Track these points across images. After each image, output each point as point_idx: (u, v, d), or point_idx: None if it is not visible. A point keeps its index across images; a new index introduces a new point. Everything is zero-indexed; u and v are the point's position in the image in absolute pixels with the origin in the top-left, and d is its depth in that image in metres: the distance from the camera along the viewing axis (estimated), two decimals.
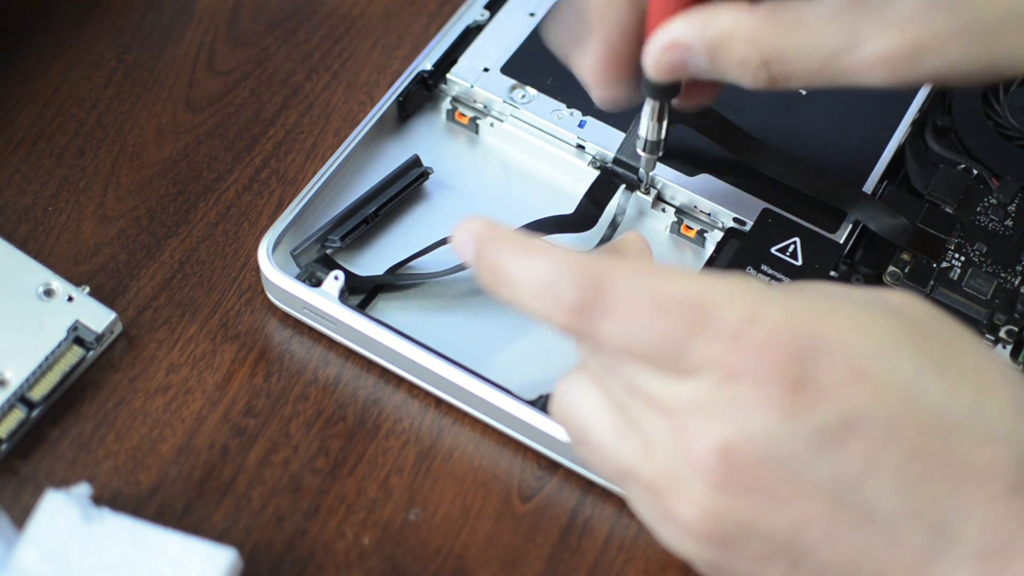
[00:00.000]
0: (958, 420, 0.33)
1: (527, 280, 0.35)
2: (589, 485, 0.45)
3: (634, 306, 0.34)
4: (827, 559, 0.33)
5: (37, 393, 0.45)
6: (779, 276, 0.46)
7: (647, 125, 0.46)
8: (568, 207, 0.50)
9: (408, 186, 0.50)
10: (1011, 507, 0.33)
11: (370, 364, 0.47)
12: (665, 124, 0.46)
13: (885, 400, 0.33)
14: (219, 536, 0.43)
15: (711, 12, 0.39)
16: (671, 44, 0.40)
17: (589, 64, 0.43)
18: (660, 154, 0.47)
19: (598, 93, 0.44)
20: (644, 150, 0.47)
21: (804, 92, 0.52)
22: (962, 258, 0.48)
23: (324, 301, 0.46)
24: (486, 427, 0.46)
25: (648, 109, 0.45)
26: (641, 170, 0.49)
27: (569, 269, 0.35)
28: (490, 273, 0.36)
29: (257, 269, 0.48)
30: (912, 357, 0.33)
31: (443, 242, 0.48)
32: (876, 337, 0.34)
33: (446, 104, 0.53)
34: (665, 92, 0.43)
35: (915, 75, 0.38)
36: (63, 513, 0.40)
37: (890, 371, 0.33)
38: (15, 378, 0.44)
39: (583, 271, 0.34)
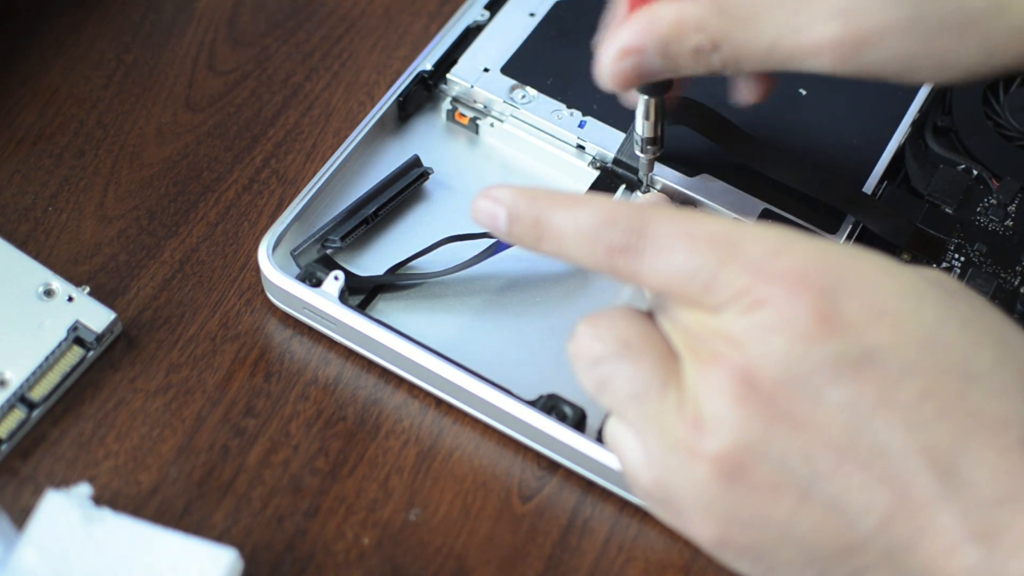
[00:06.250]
0: (977, 370, 0.34)
1: (573, 230, 0.37)
2: (589, 485, 0.45)
3: (670, 242, 0.35)
4: (836, 493, 0.33)
5: (37, 393, 0.45)
6: None
7: (641, 123, 0.46)
8: None
9: (408, 186, 0.50)
10: None
11: (370, 364, 0.47)
12: (660, 122, 0.46)
13: (905, 341, 0.33)
14: (219, 536, 0.43)
15: (654, 11, 0.40)
16: (623, 51, 0.40)
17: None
18: (658, 153, 0.47)
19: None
20: (641, 150, 0.47)
21: (804, 92, 0.52)
22: (962, 258, 0.48)
23: (324, 301, 0.46)
24: (486, 427, 0.46)
25: (641, 107, 0.45)
26: (640, 171, 0.49)
27: (613, 214, 0.36)
28: (532, 230, 0.38)
29: (257, 269, 0.48)
30: (936, 309, 0.34)
31: (443, 242, 0.48)
32: (902, 284, 0.35)
33: (446, 104, 0.53)
34: (654, 88, 0.44)
35: (860, 64, 0.39)
36: (63, 513, 0.40)
37: (913, 316, 0.34)
38: (15, 378, 0.44)
39: (626, 214, 0.36)
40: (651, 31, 0.40)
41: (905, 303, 0.34)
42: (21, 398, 0.44)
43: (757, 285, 0.34)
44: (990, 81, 0.52)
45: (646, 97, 0.45)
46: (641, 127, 0.46)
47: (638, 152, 0.47)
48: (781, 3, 0.39)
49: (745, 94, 0.45)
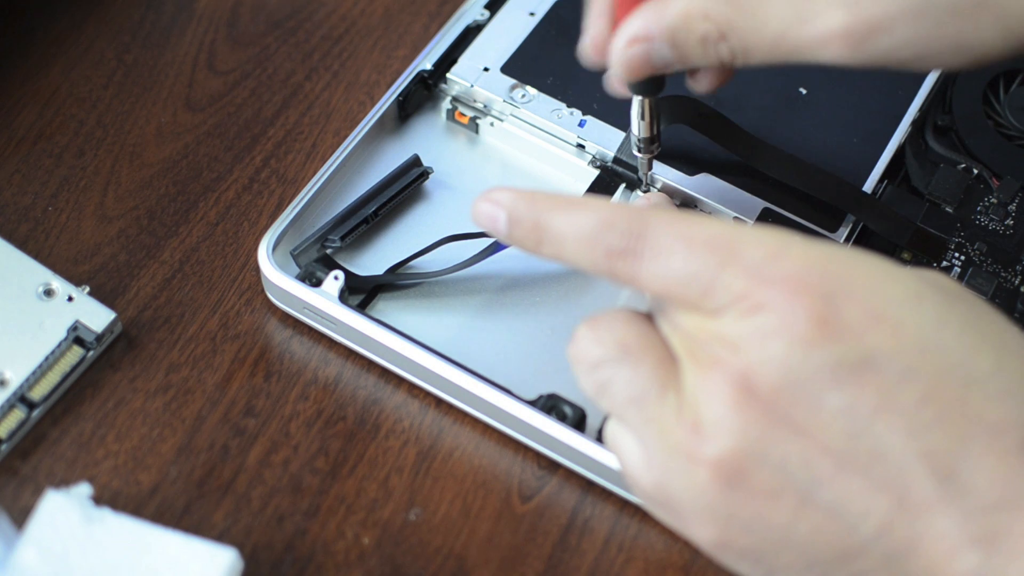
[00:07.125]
0: (977, 374, 0.33)
1: (573, 233, 0.37)
2: (589, 485, 0.45)
3: (668, 245, 0.35)
4: (836, 498, 0.33)
5: (37, 393, 0.45)
6: None
7: (636, 123, 0.46)
8: None
9: (408, 186, 0.50)
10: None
11: (370, 364, 0.47)
12: (655, 121, 0.46)
13: (905, 345, 0.33)
14: (219, 536, 0.43)
15: (663, 0, 0.40)
16: (632, 39, 0.41)
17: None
18: (655, 152, 0.47)
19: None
20: (638, 150, 0.47)
21: (804, 91, 0.52)
22: (962, 258, 0.48)
23: (324, 301, 0.46)
24: (486, 427, 0.46)
25: (635, 107, 0.45)
26: (639, 170, 0.49)
27: (612, 218, 0.36)
28: (532, 233, 0.37)
29: (257, 269, 0.48)
30: (935, 312, 0.34)
31: (443, 242, 0.48)
32: (901, 288, 0.34)
33: (446, 104, 0.53)
34: (648, 88, 0.44)
35: (870, 53, 0.39)
36: (63, 513, 0.40)
37: (912, 320, 0.34)
38: (15, 378, 0.44)
39: (625, 218, 0.36)
40: (659, 19, 0.40)
41: (904, 307, 0.34)
42: (21, 398, 0.44)
43: (756, 289, 0.34)
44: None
45: (640, 97, 0.45)
46: (637, 127, 0.46)
47: (636, 152, 0.47)
48: None
49: (698, 84, 0.45)
